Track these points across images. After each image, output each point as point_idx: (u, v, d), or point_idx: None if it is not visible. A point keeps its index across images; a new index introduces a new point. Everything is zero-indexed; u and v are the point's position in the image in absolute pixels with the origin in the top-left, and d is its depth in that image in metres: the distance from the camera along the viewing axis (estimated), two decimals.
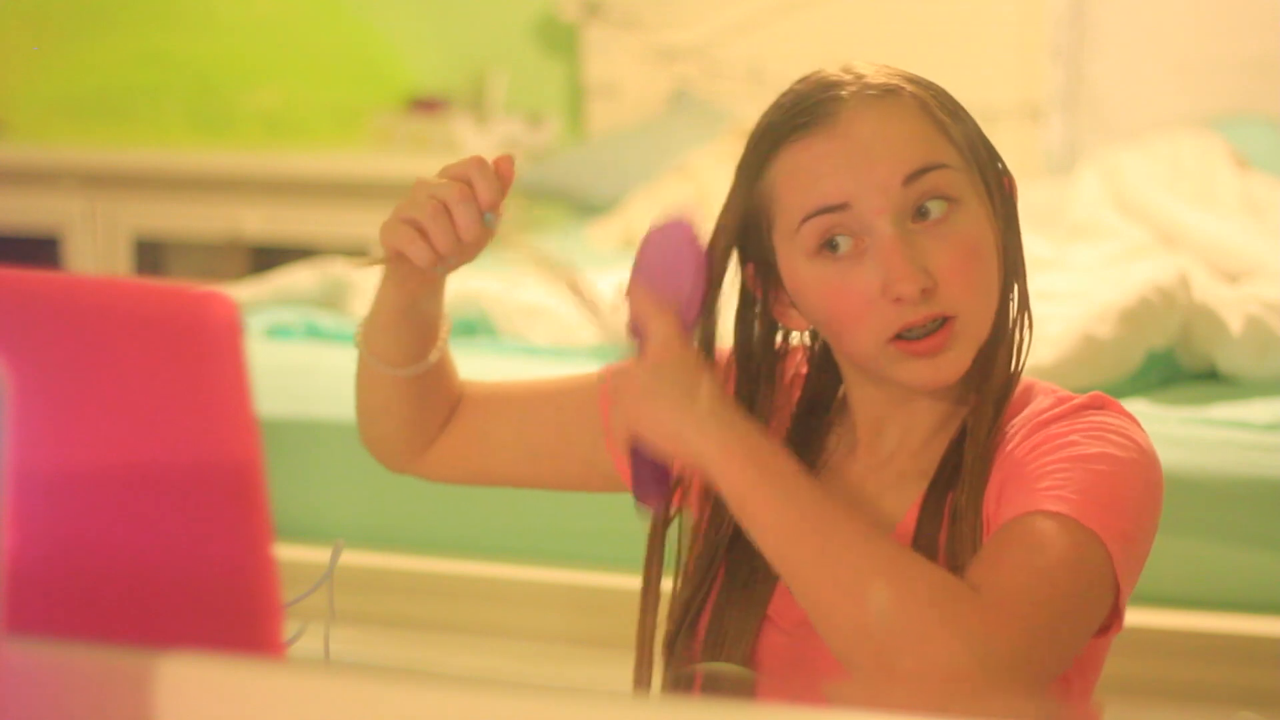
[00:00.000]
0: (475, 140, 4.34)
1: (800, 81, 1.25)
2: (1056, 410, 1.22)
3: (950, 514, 1.21)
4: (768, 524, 1.12)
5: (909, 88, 1.22)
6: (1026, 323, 1.26)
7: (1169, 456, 2.09)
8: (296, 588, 1.02)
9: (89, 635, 0.84)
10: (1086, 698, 1.24)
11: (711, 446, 1.13)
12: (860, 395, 1.28)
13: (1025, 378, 1.27)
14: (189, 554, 0.84)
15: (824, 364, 1.31)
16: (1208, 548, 2.09)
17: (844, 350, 1.25)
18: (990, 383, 1.23)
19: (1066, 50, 3.96)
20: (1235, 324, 2.32)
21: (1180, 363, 2.36)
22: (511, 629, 2.22)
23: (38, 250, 4.45)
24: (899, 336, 1.19)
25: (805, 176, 1.21)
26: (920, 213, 1.19)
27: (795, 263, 1.22)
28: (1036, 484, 1.16)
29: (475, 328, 2.69)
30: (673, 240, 1.24)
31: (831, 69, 1.24)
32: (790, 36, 4.08)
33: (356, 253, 4.11)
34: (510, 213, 1.30)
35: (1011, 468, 1.19)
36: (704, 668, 1.24)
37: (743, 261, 1.27)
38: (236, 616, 0.84)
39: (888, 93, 1.22)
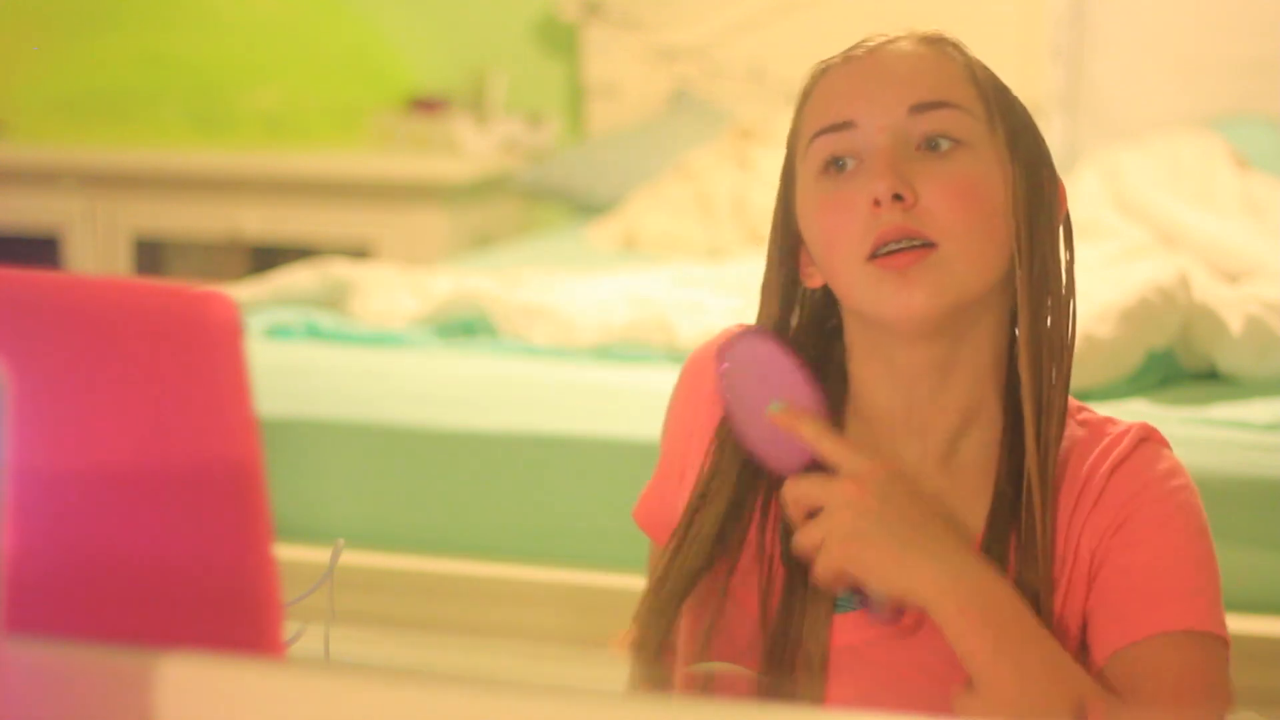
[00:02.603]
0: (475, 140, 4.34)
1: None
2: (1124, 463, 1.22)
3: (1017, 561, 1.20)
4: (999, 681, 1.13)
5: (953, 40, 1.25)
6: (1069, 314, 1.23)
7: None
8: (296, 588, 1.01)
9: (89, 635, 0.84)
10: None
11: (948, 603, 1.13)
12: (866, 374, 1.25)
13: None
14: (189, 554, 0.84)
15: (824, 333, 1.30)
16: None
17: (836, 285, 1.23)
18: (1031, 370, 1.21)
19: (1066, 50, 3.96)
20: (1235, 324, 2.32)
21: (1180, 363, 2.35)
22: (511, 629, 2.22)
23: (38, 250, 4.45)
24: (876, 255, 1.18)
25: (824, 98, 1.24)
26: (928, 144, 1.21)
27: (805, 184, 1.24)
28: (1152, 596, 1.19)
29: (475, 328, 2.69)
30: (753, 357, 1.22)
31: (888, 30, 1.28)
32: (790, 36, 4.07)
33: (357, 253, 4.12)
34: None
35: (1106, 547, 1.21)
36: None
37: (783, 230, 1.27)
38: (236, 616, 0.84)
39: (929, 39, 1.25)
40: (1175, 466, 1.24)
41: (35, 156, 4.58)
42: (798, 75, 1.30)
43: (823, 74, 1.25)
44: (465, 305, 2.69)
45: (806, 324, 1.29)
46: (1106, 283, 2.54)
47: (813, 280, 1.27)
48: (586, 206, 4.11)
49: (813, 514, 1.18)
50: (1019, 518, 1.21)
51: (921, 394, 1.23)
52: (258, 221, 4.36)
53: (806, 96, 1.26)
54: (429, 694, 0.80)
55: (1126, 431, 1.24)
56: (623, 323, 2.51)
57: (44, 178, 4.50)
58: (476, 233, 4.33)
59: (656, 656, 1.25)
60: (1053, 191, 1.26)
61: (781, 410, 1.20)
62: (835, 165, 1.21)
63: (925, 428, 1.24)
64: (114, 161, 4.48)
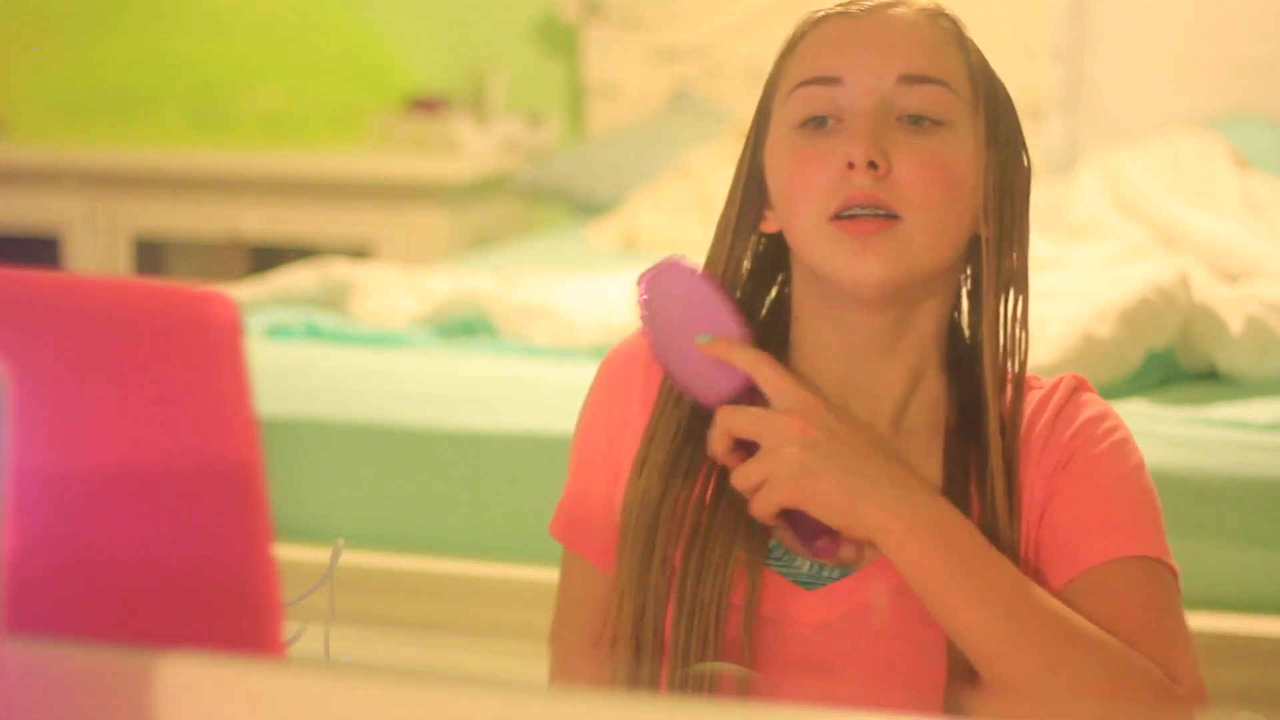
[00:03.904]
0: (475, 140, 4.34)
1: None
2: (1067, 421, 1.23)
3: (980, 519, 1.21)
4: (961, 611, 1.13)
5: (952, 17, 1.25)
6: (1023, 311, 1.25)
7: (1169, 456, 2.11)
8: (296, 588, 1.01)
9: (89, 635, 0.84)
10: None
11: (897, 527, 1.13)
12: (815, 339, 1.25)
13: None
14: (189, 554, 0.84)
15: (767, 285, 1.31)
16: (1208, 548, 2.09)
17: (793, 231, 1.23)
18: (995, 373, 1.23)
19: (1066, 50, 3.96)
20: (1235, 324, 2.32)
21: (1180, 363, 2.35)
22: (511, 629, 2.22)
23: (38, 250, 4.45)
24: (840, 216, 1.19)
25: (815, 48, 1.24)
26: (910, 119, 1.21)
27: (780, 132, 1.24)
28: (1116, 523, 1.21)
29: (475, 328, 2.69)
30: (676, 286, 1.22)
31: None
32: None
33: (357, 253, 4.12)
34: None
35: (1051, 487, 1.22)
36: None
37: (747, 180, 1.27)
38: (236, 616, 0.84)
39: (929, 11, 1.25)
40: (1108, 410, 1.26)
41: (35, 156, 4.58)
42: None
43: (815, 23, 1.25)
44: (465, 305, 2.69)
45: (755, 276, 1.29)
46: (1106, 283, 2.54)
47: (768, 225, 1.27)
48: (586, 206, 4.11)
49: (744, 447, 1.18)
50: (972, 475, 1.22)
51: (868, 363, 1.24)
52: (258, 221, 4.36)
53: (795, 42, 1.26)
54: (429, 694, 0.80)
55: (1059, 383, 1.26)
56: (622, 323, 2.51)
57: (44, 178, 4.50)
58: (476, 233, 4.33)
59: (640, 649, 1.24)
60: (1025, 176, 1.27)
61: (712, 340, 1.19)
62: (814, 121, 1.22)
63: (874, 392, 1.25)
64: (114, 161, 4.48)
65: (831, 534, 1.18)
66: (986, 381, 1.22)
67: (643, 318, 1.22)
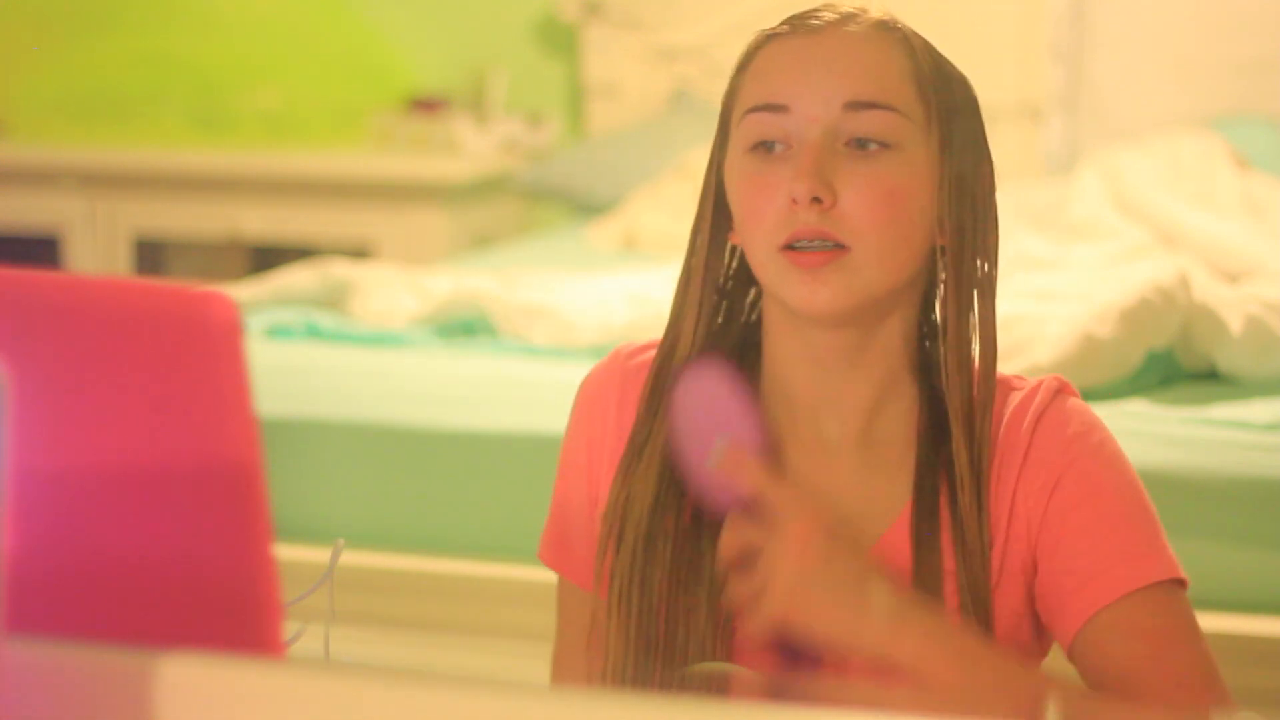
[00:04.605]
0: (475, 140, 4.34)
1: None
2: (1067, 433, 1.22)
3: (951, 525, 1.21)
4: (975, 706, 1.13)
5: (906, 29, 1.24)
6: (989, 316, 1.25)
7: (1169, 456, 2.11)
8: (296, 588, 1.02)
9: (89, 635, 0.84)
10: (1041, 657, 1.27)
11: (903, 652, 1.13)
12: (784, 353, 1.26)
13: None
14: (189, 554, 0.84)
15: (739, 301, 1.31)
16: (1208, 548, 2.09)
17: (749, 253, 1.24)
18: (960, 382, 1.22)
19: (1066, 50, 3.96)
20: (1235, 324, 2.32)
21: (1180, 363, 2.35)
22: (511, 629, 2.22)
23: (38, 250, 4.45)
24: (789, 246, 1.19)
25: (765, 71, 1.23)
26: (857, 143, 1.20)
27: (734, 154, 1.24)
28: (1127, 552, 1.21)
29: (475, 328, 2.69)
30: (709, 388, 1.21)
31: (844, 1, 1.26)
32: None
33: (357, 253, 4.12)
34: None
35: (1042, 510, 1.21)
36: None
37: (715, 196, 1.27)
38: (236, 616, 0.84)
39: (880, 26, 1.23)
40: (1095, 419, 1.25)
41: (35, 156, 4.58)
42: None
43: (765, 44, 1.24)
44: (465, 305, 2.69)
45: (729, 286, 1.30)
46: (1106, 283, 2.54)
47: (735, 236, 1.28)
48: (586, 206, 4.11)
49: (746, 561, 1.16)
50: (945, 485, 1.22)
51: (836, 374, 1.25)
52: (258, 221, 4.36)
53: (748, 60, 1.25)
54: (429, 694, 0.80)
55: (1039, 386, 1.25)
56: (623, 323, 2.51)
57: (44, 178, 4.50)
58: (476, 233, 4.33)
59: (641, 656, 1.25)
60: (989, 177, 1.27)
61: (726, 451, 1.18)
62: (764, 146, 1.22)
63: (842, 405, 1.25)
64: (114, 161, 4.48)
65: (815, 660, 1.18)
66: (951, 388, 1.22)
67: (672, 415, 1.22)
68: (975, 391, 1.23)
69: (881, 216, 1.19)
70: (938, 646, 1.13)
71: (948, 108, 1.24)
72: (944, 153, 1.23)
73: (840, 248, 1.18)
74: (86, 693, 0.81)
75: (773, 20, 1.27)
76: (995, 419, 1.24)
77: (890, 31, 1.23)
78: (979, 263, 1.24)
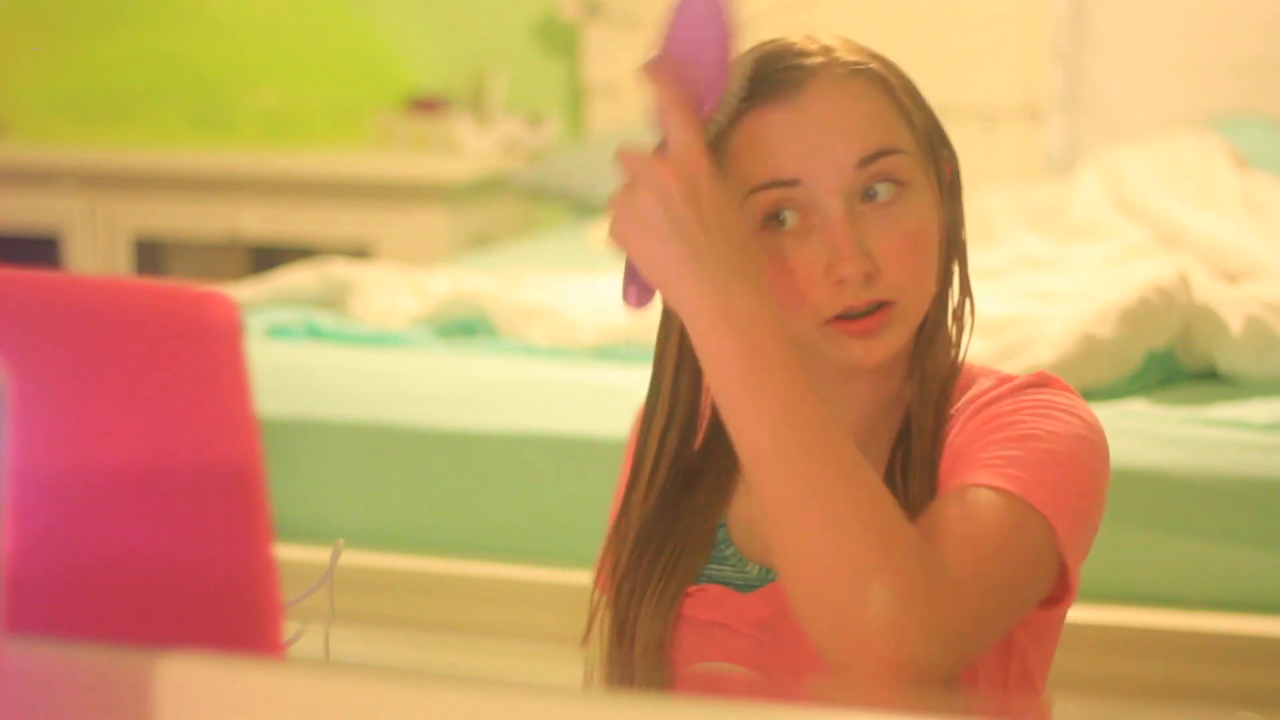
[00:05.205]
0: (475, 140, 4.34)
1: (765, 45, 1.22)
2: (999, 390, 1.21)
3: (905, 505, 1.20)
4: (744, 406, 1.07)
5: (875, 66, 1.22)
6: (968, 307, 1.26)
7: (1169, 456, 2.11)
8: (296, 588, 1.01)
9: (89, 635, 0.84)
10: (1045, 672, 1.24)
11: (705, 310, 1.08)
12: None
13: (966, 362, 1.27)
14: (189, 554, 0.84)
15: None
16: (1208, 548, 2.09)
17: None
18: (931, 367, 1.23)
19: (1066, 50, 3.96)
20: (1235, 324, 2.32)
21: (1180, 363, 2.35)
22: (511, 629, 2.22)
23: (38, 250, 4.45)
24: (837, 317, 1.18)
25: (762, 146, 1.19)
26: (868, 194, 1.19)
27: None
28: (980, 460, 1.15)
29: (475, 328, 2.69)
30: (699, 12, 1.13)
31: (796, 37, 1.23)
32: None
33: (357, 253, 4.12)
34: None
35: (955, 452, 1.19)
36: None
37: None
38: (236, 616, 0.84)
39: (856, 72, 1.21)
40: (1067, 398, 1.21)
41: (35, 156, 4.58)
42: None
43: (754, 107, 1.19)
44: (465, 305, 2.69)
45: None
46: (1106, 283, 2.54)
47: None
48: (586, 206, 4.11)
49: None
50: (909, 469, 1.21)
51: (861, 389, 1.25)
52: (258, 221, 4.37)
53: (735, 123, 1.19)
54: (429, 694, 0.80)
55: (1014, 378, 1.23)
56: (623, 323, 2.52)
57: (44, 178, 4.50)
58: (476, 233, 4.33)
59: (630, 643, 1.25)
60: (954, 172, 1.26)
61: (654, 63, 1.13)
62: (776, 220, 1.18)
63: (851, 422, 1.25)
64: (114, 161, 4.48)
65: (646, 289, 1.15)
66: (930, 379, 1.23)
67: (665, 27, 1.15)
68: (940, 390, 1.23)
69: (914, 262, 1.19)
70: (738, 333, 1.06)
71: (926, 122, 1.23)
72: (939, 178, 1.23)
73: (887, 304, 1.18)
74: (86, 693, 0.81)
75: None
76: (954, 399, 1.23)
77: (867, 71, 1.21)
78: (958, 258, 1.25)
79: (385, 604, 2.26)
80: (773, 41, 1.23)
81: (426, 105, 4.47)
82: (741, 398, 1.08)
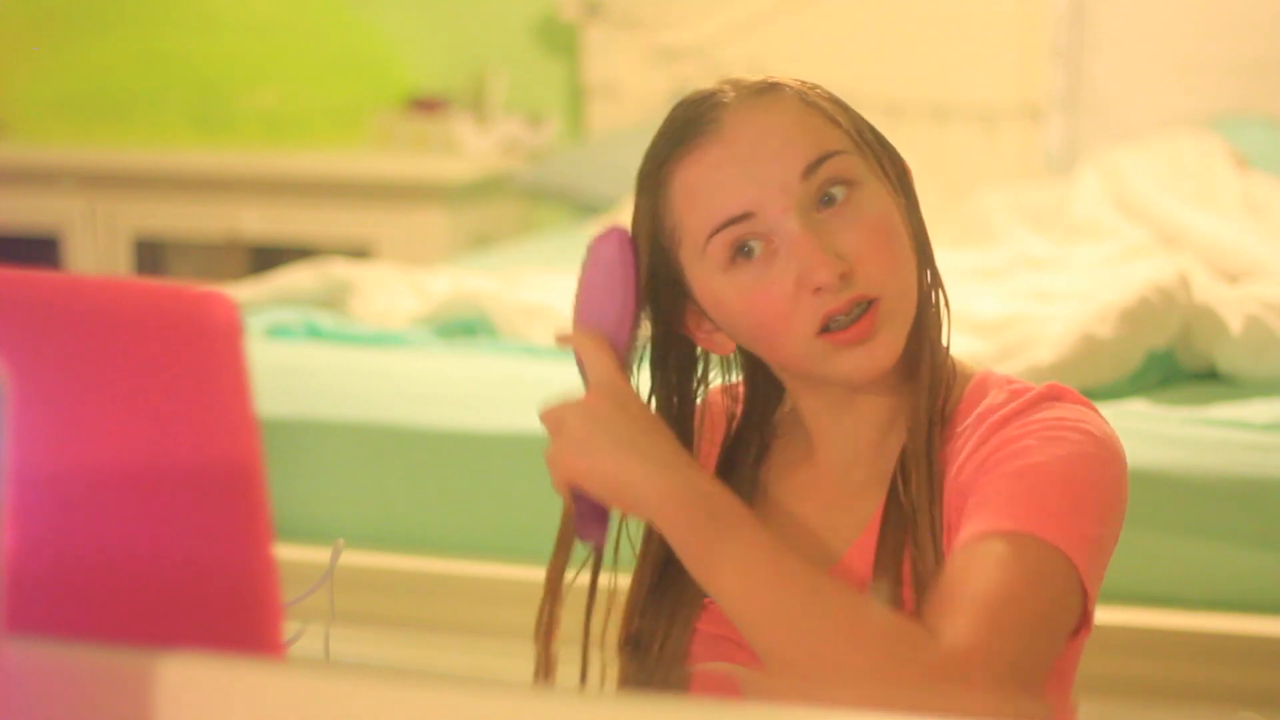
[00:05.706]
0: (475, 140, 4.34)
1: (682, 100, 1.25)
2: (1011, 407, 1.20)
3: (911, 518, 1.20)
4: (721, 576, 1.10)
5: (787, 82, 1.23)
6: (943, 302, 1.25)
7: (1169, 456, 2.11)
8: (296, 588, 1.02)
9: (89, 635, 0.84)
10: (1066, 699, 1.23)
11: (657, 497, 1.11)
12: (806, 406, 1.27)
13: (979, 369, 1.27)
14: (189, 554, 0.84)
15: (760, 385, 1.31)
16: (1208, 548, 2.09)
17: (775, 358, 1.24)
18: (918, 369, 1.23)
19: (1066, 50, 3.96)
20: (1235, 324, 2.32)
21: (1180, 363, 2.35)
22: (511, 629, 2.22)
23: (38, 250, 4.45)
24: (826, 329, 1.18)
25: (703, 191, 1.20)
26: (824, 201, 1.19)
27: (709, 279, 1.21)
28: (992, 500, 1.14)
29: (475, 328, 2.69)
30: (606, 256, 1.20)
31: (708, 84, 1.24)
32: (790, 36, 4.08)
33: (357, 253, 4.12)
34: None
35: (970, 476, 1.18)
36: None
37: (653, 293, 1.24)
38: (236, 616, 0.84)
39: (767, 90, 1.22)
40: (1078, 412, 1.20)
41: (35, 156, 4.58)
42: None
43: (683, 154, 1.21)
44: (465, 305, 2.69)
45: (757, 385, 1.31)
46: (1106, 283, 2.54)
47: (719, 348, 1.27)
48: (586, 206, 4.11)
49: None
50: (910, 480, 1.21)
51: (864, 407, 1.25)
52: (258, 221, 4.37)
53: (665, 186, 1.22)
54: (429, 694, 0.80)
55: (1032, 389, 1.23)
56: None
57: (44, 178, 4.50)
58: (476, 233, 4.33)
59: (648, 652, 1.26)
60: (906, 171, 1.27)
61: (562, 335, 1.20)
62: (742, 253, 1.19)
63: (859, 439, 1.26)
64: (114, 161, 4.49)
65: (601, 519, 1.19)
66: (920, 382, 1.23)
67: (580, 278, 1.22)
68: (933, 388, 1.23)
69: (885, 253, 1.19)
70: (706, 512, 1.11)
71: (855, 122, 1.23)
72: (883, 168, 1.23)
73: (873, 301, 1.18)
74: (86, 693, 0.81)
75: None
76: (966, 412, 1.23)
77: (776, 87, 1.22)
78: (923, 256, 1.24)
79: (385, 604, 2.26)
80: (687, 96, 1.25)
81: (426, 105, 4.47)
82: (712, 561, 1.11)
